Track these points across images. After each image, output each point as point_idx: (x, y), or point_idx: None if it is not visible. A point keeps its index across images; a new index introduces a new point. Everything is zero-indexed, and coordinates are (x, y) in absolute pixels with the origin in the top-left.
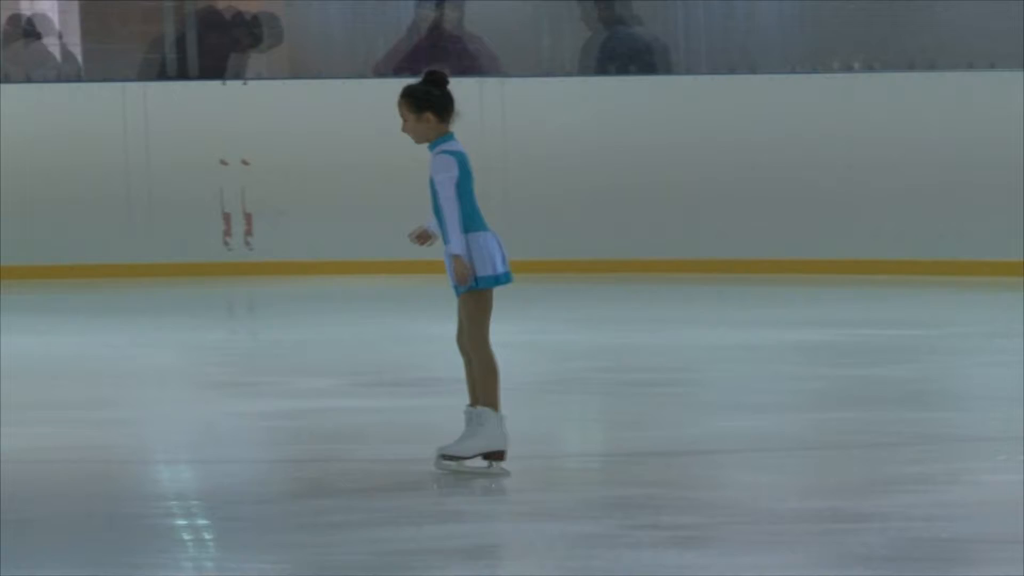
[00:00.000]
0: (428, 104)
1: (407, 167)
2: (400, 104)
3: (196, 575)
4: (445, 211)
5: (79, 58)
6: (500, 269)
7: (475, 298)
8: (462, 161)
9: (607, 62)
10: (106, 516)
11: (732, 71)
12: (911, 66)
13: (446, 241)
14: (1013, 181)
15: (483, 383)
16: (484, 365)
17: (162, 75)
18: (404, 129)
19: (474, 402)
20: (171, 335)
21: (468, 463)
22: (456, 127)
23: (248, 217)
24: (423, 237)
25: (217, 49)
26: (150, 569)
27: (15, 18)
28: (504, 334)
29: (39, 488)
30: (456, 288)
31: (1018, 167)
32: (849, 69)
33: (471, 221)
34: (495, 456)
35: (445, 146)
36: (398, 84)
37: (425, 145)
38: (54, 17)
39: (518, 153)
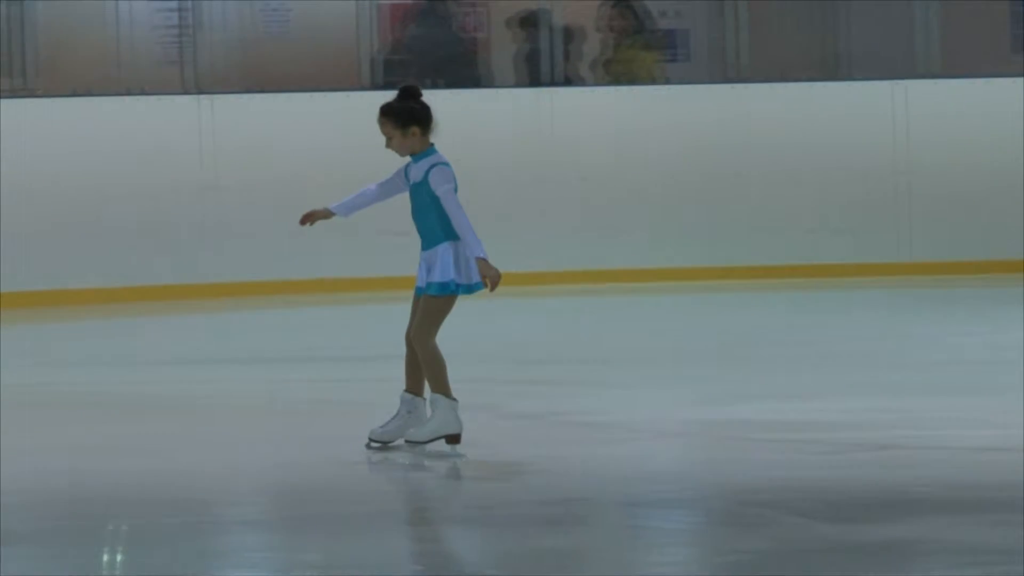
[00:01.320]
0: (412, 119)
1: None
2: (383, 123)
3: None
4: (458, 220)
5: None
6: (475, 279)
7: (444, 300)
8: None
9: None
10: None
11: None
12: None
13: (469, 247)
14: None
15: (433, 374)
16: (431, 358)
17: None
18: (389, 146)
19: (410, 388)
20: None
21: (427, 446)
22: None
23: None
24: (310, 218)
25: None
26: None
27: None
28: None
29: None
30: (431, 287)
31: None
32: None
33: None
34: (453, 439)
35: (435, 158)
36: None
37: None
38: None
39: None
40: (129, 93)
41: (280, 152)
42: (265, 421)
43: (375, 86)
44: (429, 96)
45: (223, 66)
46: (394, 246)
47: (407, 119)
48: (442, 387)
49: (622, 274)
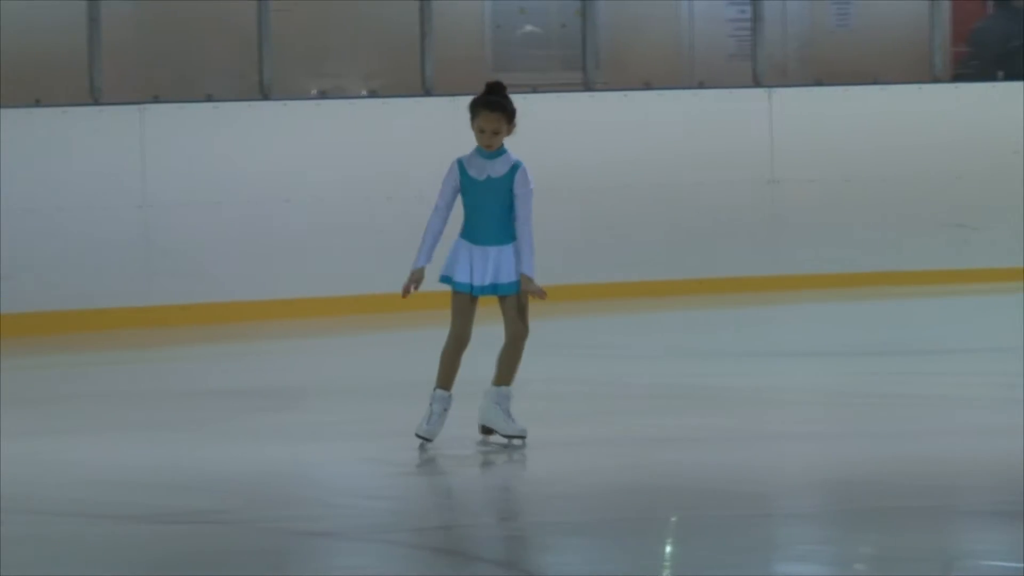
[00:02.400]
0: (514, 115)
1: None
2: (496, 119)
3: None
4: (529, 225)
5: None
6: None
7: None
8: None
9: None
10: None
11: None
12: None
13: (528, 255)
14: None
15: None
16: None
17: None
18: (489, 141)
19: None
20: None
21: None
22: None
23: None
24: (408, 289)
25: None
26: None
27: None
28: None
29: None
30: (513, 286)
31: None
32: None
33: None
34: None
35: (514, 157)
36: None
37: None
38: None
39: None
40: (701, 87)
41: (842, 146)
42: (821, 414)
43: (943, 79)
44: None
45: (785, 60)
46: (962, 240)
47: (513, 115)
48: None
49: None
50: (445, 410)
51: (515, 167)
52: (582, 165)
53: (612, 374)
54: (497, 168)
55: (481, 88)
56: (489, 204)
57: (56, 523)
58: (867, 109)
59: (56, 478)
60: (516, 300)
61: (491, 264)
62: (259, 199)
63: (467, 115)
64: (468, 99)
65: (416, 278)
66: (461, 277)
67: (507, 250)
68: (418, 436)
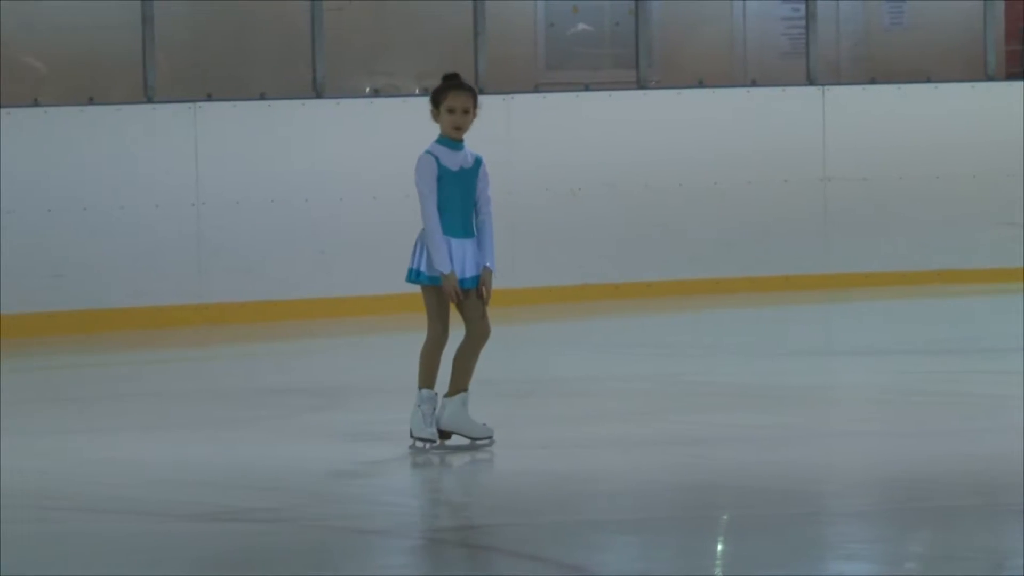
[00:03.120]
0: (477, 96)
1: None
2: (467, 97)
3: None
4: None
5: None
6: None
7: None
8: None
9: None
10: None
11: None
12: None
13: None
14: None
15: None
16: None
17: None
18: (461, 122)
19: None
20: None
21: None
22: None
23: None
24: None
25: None
26: None
27: None
28: None
29: None
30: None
31: None
32: None
33: None
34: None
35: (470, 149)
36: None
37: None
38: None
39: None
40: (754, 85)
41: (894, 144)
42: (874, 413)
43: (997, 77)
44: None
45: (838, 58)
46: (1014, 238)
47: (477, 98)
48: None
49: None
50: (435, 409)
51: (479, 160)
52: (634, 163)
53: (664, 372)
54: (467, 159)
55: (533, 86)
56: (460, 196)
57: (106, 520)
58: (920, 107)
59: (107, 476)
60: (481, 297)
61: (470, 256)
62: (313, 197)
63: (519, 113)
64: (522, 97)
65: (456, 283)
66: (461, 271)
67: (471, 244)
68: (421, 439)
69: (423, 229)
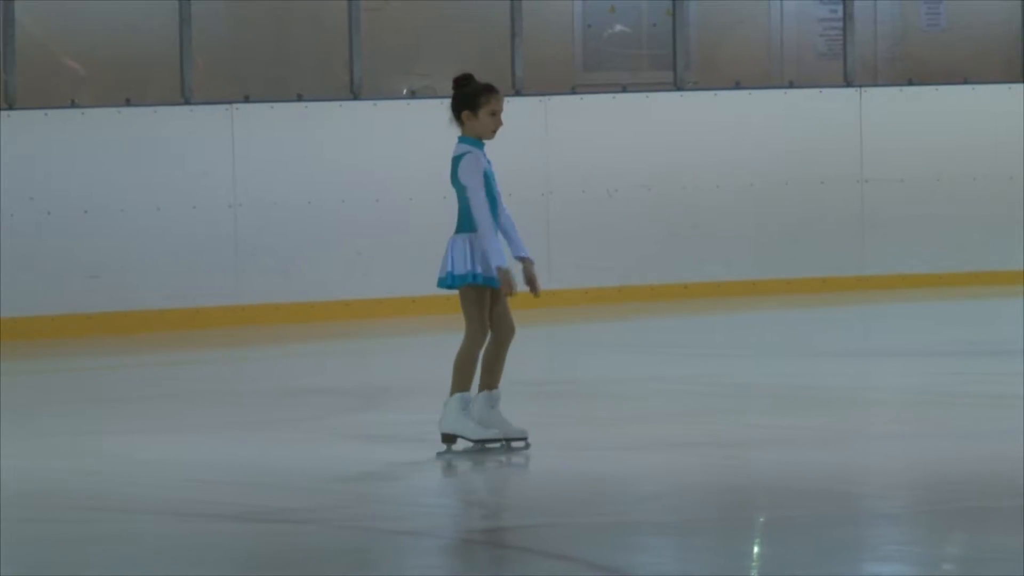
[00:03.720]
0: None
1: None
2: (503, 100)
3: None
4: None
5: None
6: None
7: None
8: None
9: None
10: None
11: None
12: None
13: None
14: None
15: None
16: None
17: None
18: (499, 124)
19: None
20: None
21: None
22: None
23: None
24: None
25: None
26: None
27: None
28: None
29: None
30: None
31: None
32: None
33: None
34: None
35: None
36: None
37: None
38: None
39: None
40: (792, 86)
41: (932, 146)
42: (912, 414)
43: None
44: None
45: (875, 59)
46: None
47: None
48: None
49: None
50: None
51: (489, 159)
52: (671, 165)
53: (700, 373)
54: (486, 158)
55: (570, 87)
56: (493, 194)
57: (145, 521)
58: (957, 109)
59: (145, 476)
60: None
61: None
62: (349, 198)
63: (556, 114)
64: (559, 98)
65: (512, 277)
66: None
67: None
68: (481, 440)
69: (457, 231)
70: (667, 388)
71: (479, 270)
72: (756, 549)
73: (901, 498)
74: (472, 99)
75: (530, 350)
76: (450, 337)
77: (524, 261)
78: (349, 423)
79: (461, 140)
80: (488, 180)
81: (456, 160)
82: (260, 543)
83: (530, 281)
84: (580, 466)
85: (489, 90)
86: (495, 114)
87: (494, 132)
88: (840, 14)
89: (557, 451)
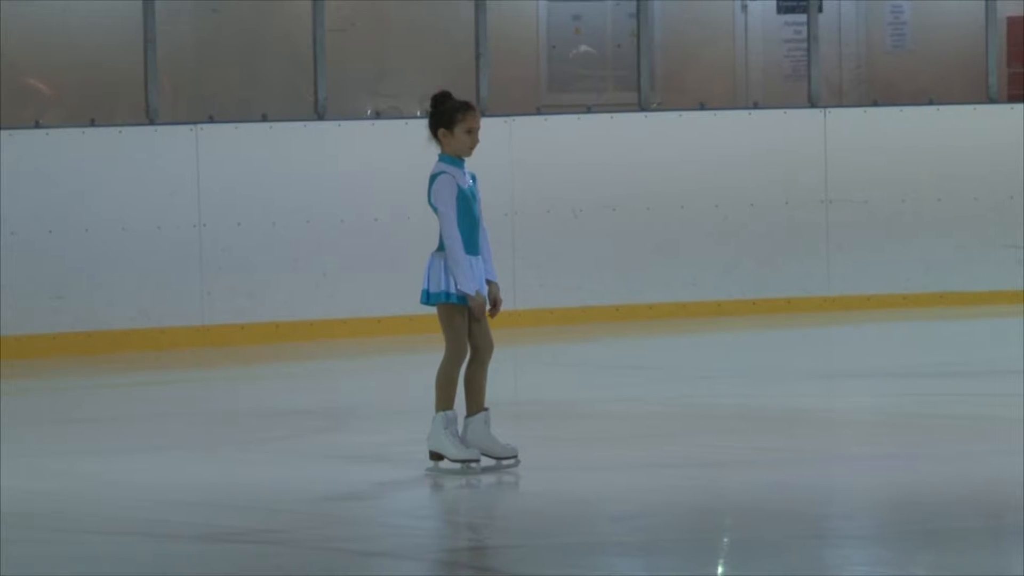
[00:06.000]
0: None
1: None
2: (477, 116)
3: None
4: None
5: None
6: None
7: None
8: None
9: None
10: None
11: None
12: None
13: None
14: None
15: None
16: None
17: None
18: (475, 141)
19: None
20: None
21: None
22: None
23: None
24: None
25: None
26: None
27: None
28: None
29: None
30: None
31: None
32: None
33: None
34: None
35: None
36: None
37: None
38: None
39: None
40: (756, 107)
41: (897, 167)
42: (880, 435)
43: (999, 100)
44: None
45: (840, 80)
46: (1016, 260)
47: None
48: None
49: None
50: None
51: (474, 176)
52: (636, 185)
53: (666, 394)
54: (467, 177)
55: (535, 108)
56: (468, 214)
57: (113, 542)
58: (922, 130)
59: (113, 497)
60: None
61: (478, 275)
62: (314, 219)
63: (521, 135)
64: (523, 119)
65: (484, 303)
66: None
67: (479, 261)
68: (462, 460)
69: (437, 249)
70: (633, 409)
71: (453, 289)
72: (722, 570)
73: (868, 519)
74: (448, 117)
75: (495, 371)
76: (416, 357)
77: (490, 284)
78: (316, 443)
79: (440, 159)
80: (468, 200)
81: (431, 179)
82: (229, 564)
83: (494, 304)
84: (547, 487)
85: (465, 107)
86: (471, 131)
87: (471, 149)
88: (804, 35)
89: (523, 472)
